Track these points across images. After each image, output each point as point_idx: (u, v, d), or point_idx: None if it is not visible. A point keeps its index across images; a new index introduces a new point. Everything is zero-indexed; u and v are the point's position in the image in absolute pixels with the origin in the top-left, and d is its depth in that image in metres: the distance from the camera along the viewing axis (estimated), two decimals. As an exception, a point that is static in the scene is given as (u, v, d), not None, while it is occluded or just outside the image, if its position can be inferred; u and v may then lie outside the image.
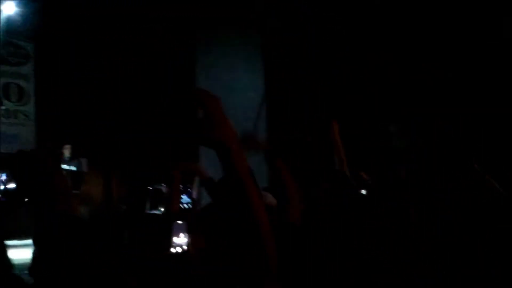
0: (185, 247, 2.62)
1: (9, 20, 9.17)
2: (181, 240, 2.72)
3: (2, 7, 8.95)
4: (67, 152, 7.63)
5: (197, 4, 8.34)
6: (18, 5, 9.07)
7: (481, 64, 8.56)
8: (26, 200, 1.43)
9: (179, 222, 2.52)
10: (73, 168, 7.49)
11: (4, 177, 5.66)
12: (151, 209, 6.94)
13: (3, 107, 8.94)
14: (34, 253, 1.44)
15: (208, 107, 1.21)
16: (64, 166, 7.31)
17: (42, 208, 1.47)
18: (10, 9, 9.06)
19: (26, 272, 1.48)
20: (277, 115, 9.11)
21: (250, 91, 9.12)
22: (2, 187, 6.32)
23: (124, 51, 9.94)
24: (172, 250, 2.51)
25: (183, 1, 8.43)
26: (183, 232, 2.74)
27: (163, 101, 9.18)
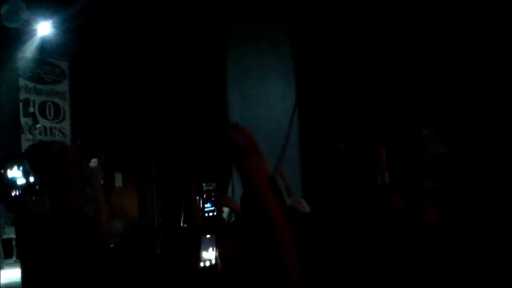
0: (214, 261, 2.61)
1: (45, 40, 9.38)
2: (210, 254, 2.68)
3: (38, 27, 9.17)
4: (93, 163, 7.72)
5: (228, 14, 8.39)
6: (53, 25, 9.27)
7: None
8: (38, 191, 1.42)
9: (208, 236, 2.51)
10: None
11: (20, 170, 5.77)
12: (185, 222, 6.96)
13: (38, 125, 9.13)
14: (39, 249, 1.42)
15: (240, 145, 1.17)
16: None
17: (54, 201, 1.45)
18: (46, 29, 9.27)
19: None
20: (309, 124, 9.07)
21: (282, 102, 9.08)
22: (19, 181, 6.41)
23: (155, 65, 10.04)
24: (201, 264, 2.48)
25: (215, 12, 8.47)
26: (212, 246, 2.71)
27: (195, 118, 9.23)
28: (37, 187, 1.75)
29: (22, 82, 9.55)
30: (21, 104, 9.39)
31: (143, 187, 9.89)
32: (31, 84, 9.72)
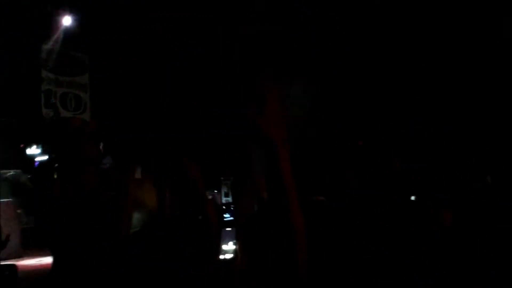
0: (233, 254, 2.61)
1: (67, 33, 9.48)
2: (229, 247, 2.71)
3: (62, 20, 9.27)
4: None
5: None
6: (75, 19, 9.37)
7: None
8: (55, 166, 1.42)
9: (228, 228, 2.52)
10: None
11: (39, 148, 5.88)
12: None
13: (60, 116, 9.24)
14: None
15: (268, 100, 1.18)
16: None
17: (67, 179, 1.44)
18: (68, 22, 9.37)
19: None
20: (324, 122, 9.05)
21: (299, 99, 9.10)
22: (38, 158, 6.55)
23: (171, 60, 10.08)
24: (221, 256, 2.49)
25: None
26: (231, 239, 2.74)
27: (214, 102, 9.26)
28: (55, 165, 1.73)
29: (44, 73, 9.66)
30: (42, 95, 9.51)
31: (160, 178, 9.92)
32: (53, 76, 9.83)
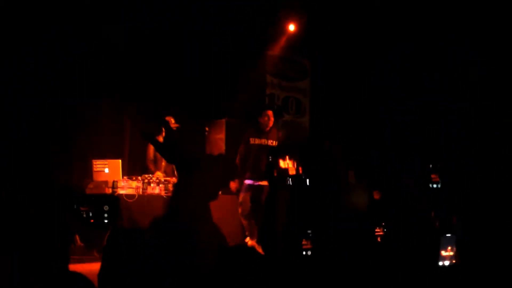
0: (453, 261, 2.47)
1: (291, 39, 9.91)
2: (449, 253, 2.56)
3: (286, 27, 9.76)
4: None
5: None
6: (298, 24, 9.76)
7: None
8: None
9: (448, 235, 2.39)
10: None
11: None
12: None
13: (282, 119, 9.72)
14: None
15: None
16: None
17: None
18: (292, 28, 9.81)
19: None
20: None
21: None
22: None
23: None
24: (440, 263, 2.38)
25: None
26: (451, 245, 2.60)
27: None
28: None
29: (268, 78, 10.19)
30: (266, 98, 10.10)
31: (375, 181, 9.87)
32: (276, 80, 10.33)
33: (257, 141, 7.64)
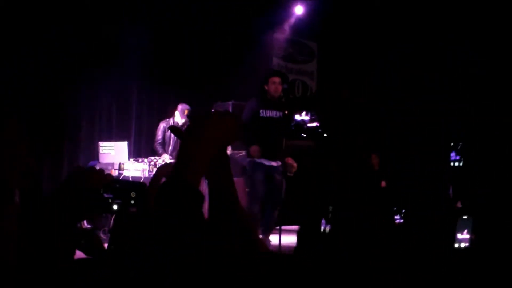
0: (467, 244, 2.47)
1: (297, 21, 9.77)
2: (465, 236, 2.55)
3: (293, 9, 9.64)
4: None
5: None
6: (306, 6, 9.65)
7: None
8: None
9: (465, 216, 2.39)
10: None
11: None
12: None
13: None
14: None
15: None
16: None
17: None
18: (299, 10, 9.65)
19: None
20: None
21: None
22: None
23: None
24: (456, 245, 2.38)
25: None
26: (468, 228, 2.59)
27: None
28: None
29: (275, 60, 10.03)
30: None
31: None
32: (283, 63, 10.17)
33: (267, 113, 6.62)
